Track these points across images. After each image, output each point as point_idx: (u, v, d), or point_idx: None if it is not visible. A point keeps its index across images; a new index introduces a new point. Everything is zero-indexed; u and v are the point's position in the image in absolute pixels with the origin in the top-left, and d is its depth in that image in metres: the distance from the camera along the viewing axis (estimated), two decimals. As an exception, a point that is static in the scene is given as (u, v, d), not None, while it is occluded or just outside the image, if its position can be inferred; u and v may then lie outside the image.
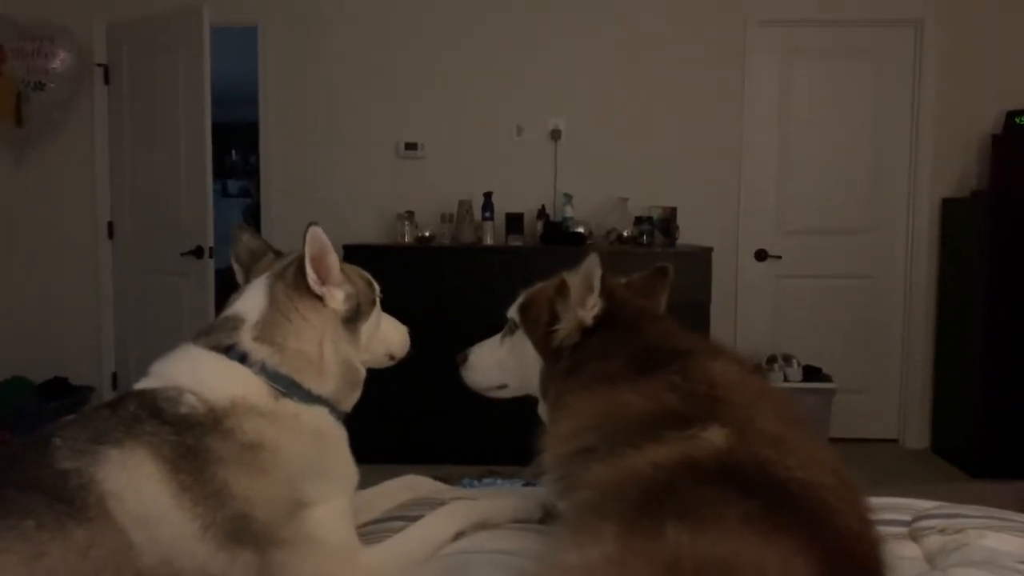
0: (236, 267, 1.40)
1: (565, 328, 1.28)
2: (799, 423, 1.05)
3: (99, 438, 1.09)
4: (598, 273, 1.26)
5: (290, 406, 1.20)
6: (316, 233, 1.25)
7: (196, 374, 1.17)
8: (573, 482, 1.05)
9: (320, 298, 1.28)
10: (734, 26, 4.94)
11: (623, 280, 1.42)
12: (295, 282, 1.27)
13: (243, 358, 1.20)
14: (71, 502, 1.03)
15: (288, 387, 1.21)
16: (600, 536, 0.86)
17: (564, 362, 1.27)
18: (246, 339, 1.22)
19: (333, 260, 1.29)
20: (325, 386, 1.26)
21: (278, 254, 1.40)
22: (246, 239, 1.41)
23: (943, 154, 4.85)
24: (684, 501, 0.87)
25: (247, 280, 1.35)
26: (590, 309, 1.27)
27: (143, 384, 1.19)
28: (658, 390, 1.07)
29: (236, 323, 1.24)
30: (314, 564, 1.13)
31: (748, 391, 1.08)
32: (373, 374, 1.41)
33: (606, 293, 1.27)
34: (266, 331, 1.23)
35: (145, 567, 1.04)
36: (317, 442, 1.21)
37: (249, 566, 1.10)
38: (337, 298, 1.30)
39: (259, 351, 1.21)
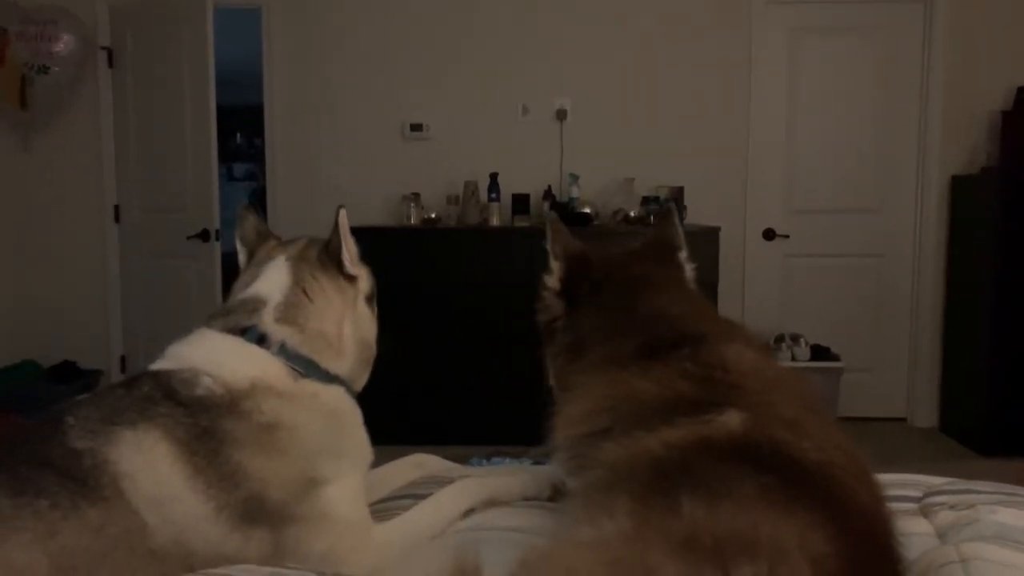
0: (240, 248, 1.40)
1: (545, 301, 1.27)
2: (815, 408, 1.04)
3: (113, 418, 1.09)
4: (548, 236, 1.25)
5: (310, 385, 1.21)
6: (345, 215, 1.29)
7: (214, 356, 1.17)
8: (585, 462, 1.05)
9: (347, 278, 1.31)
10: (740, 4, 4.89)
11: (634, 247, 1.36)
12: (321, 263, 1.29)
13: (261, 339, 1.21)
14: (84, 482, 1.03)
15: (307, 367, 1.22)
16: (614, 512, 0.86)
17: (560, 337, 1.25)
18: (268, 320, 1.23)
19: (352, 242, 1.32)
20: (342, 366, 1.28)
21: (277, 240, 1.41)
22: (252, 220, 1.42)
23: (952, 131, 4.82)
24: (698, 476, 0.86)
25: (249, 262, 1.36)
26: (555, 273, 1.25)
27: (158, 365, 1.19)
28: (671, 377, 1.05)
29: (257, 304, 1.24)
30: (327, 541, 1.14)
31: (764, 377, 1.06)
32: (383, 353, 1.42)
33: (566, 254, 1.24)
34: (288, 312, 1.24)
35: (157, 547, 1.05)
36: (335, 421, 1.23)
37: (263, 544, 1.10)
38: (364, 277, 1.34)
39: (280, 332, 1.22)
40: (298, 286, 1.27)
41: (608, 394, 1.08)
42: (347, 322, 1.30)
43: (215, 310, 1.29)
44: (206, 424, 1.10)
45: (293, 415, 1.16)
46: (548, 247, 1.25)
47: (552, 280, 1.25)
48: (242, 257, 1.39)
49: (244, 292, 1.28)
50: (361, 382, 1.35)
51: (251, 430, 1.12)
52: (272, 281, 1.27)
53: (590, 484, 1.01)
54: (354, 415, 1.28)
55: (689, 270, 1.35)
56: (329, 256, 1.30)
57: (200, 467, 1.08)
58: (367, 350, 1.35)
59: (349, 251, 1.30)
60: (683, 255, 1.35)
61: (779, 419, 0.97)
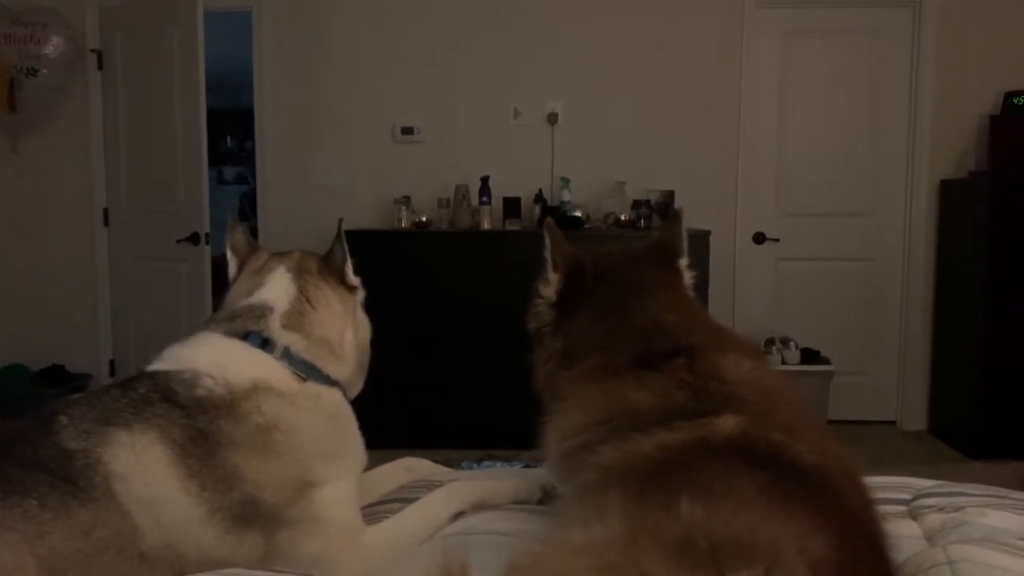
0: (231, 258, 1.42)
1: (538, 307, 1.26)
2: (810, 417, 1.04)
3: (108, 419, 1.09)
4: (548, 244, 1.25)
5: (313, 387, 1.24)
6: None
7: (217, 358, 1.19)
8: (578, 467, 1.04)
9: (348, 288, 1.37)
10: (732, 7, 4.91)
11: (634, 250, 1.34)
12: (322, 274, 1.34)
13: (264, 344, 1.23)
14: (75, 482, 1.03)
15: (308, 372, 1.24)
16: (607, 512, 0.85)
17: (550, 342, 1.24)
18: (275, 326, 1.26)
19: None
20: (343, 371, 1.31)
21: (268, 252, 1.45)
22: (242, 232, 1.45)
23: (941, 135, 4.84)
24: (694, 473, 0.85)
25: (239, 272, 1.38)
26: (552, 284, 1.24)
27: (156, 366, 1.20)
28: (667, 387, 1.04)
29: (264, 311, 1.27)
30: (319, 543, 1.14)
31: (760, 386, 1.05)
32: (373, 358, 1.44)
33: (566, 264, 1.24)
34: (295, 319, 1.28)
35: (148, 549, 1.04)
36: (335, 423, 1.25)
37: (255, 547, 1.10)
38: (359, 286, 1.40)
39: (287, 338, 1.25)
40: (303, 295, 1.31)
41: (603, 406, 1.07)
42: (348, 329, 1.34)
43: (215, 315, 1.32)
44: (203, 426, 1.11)
45: (294, 417, 1.18)
46: (547, 256, 1.24)
47: (548, 291, 1.25)
48: (232, 267, 1.41)
49: (248, 299, 1.30)
50: (358, 387, 1.39)
51: (249, 432, 1.12)
52: (277, 289, 1.30)
53: (583, 486, 1.00)
54: (351, 418, 1.31)
55: (688, 277, 1.33)
56: (330, 267, 1.35)
57: (195, 469, 1.08)
58: (364, 356, 1.39)
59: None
60: (683, 262, 1.33)
61: (775, 424, 0.97)
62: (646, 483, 0.87)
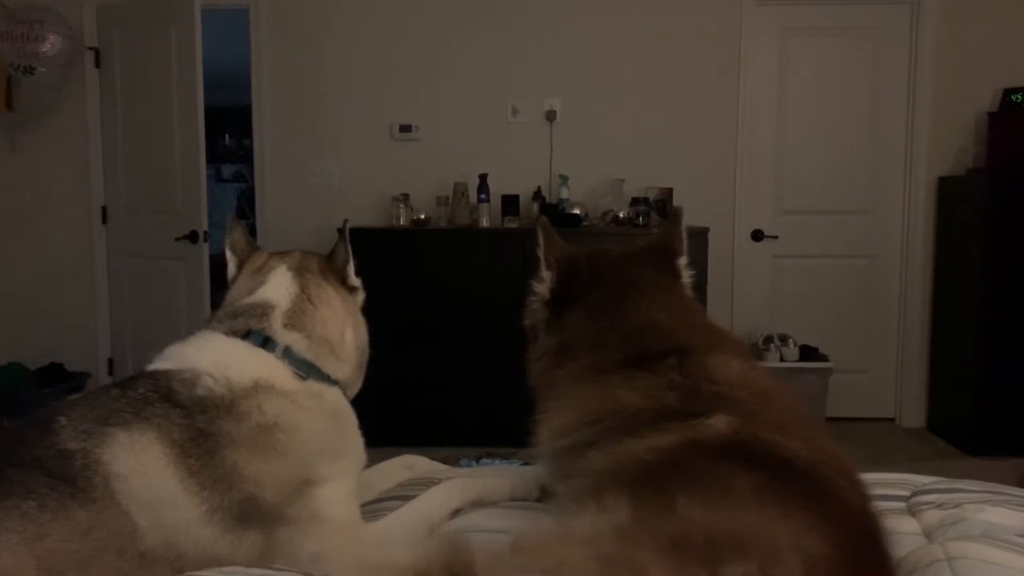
0: (231, 257, 1.42)
1: (532, 305, 1.27)
2: (803, 415, 1.04)
3: (107, 419, 1.09)
4: (541, 242, 1.26)
5: (315, 386, 1.24)
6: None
7: (218, 357, 1.19)
8: (571, 470, 1.04)
9: (349, 289, 1.38)
10: (731, 5, 4.91)
11: (633, 248, 1.34)
12: (324, 273, 1.35)
13: (265, 343, 1.23)
14: (74, 483, 1.03)
15: (309, 371, 1.25)
16: (607, 508, 0.86)
17: (544, 339, 1.25)
18: (276, 325, 1.26)
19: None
20: (343, 370, 1.32)
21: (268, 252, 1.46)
22: (242, 231, 1.45)
23: (939, 132, 4.85)
24: (690, 474, 0.86)
25: (239, 271, 1.38)
26: (546, 282, 1.25)
27: (156, 365, 1.20)
28: (657, 388, 1.04)
29: (266, 309, 1.28)
30: (318, 541, 1.14)
31: (752, 387, 1.06)
32: (372, 354, 1.44)
33: (560, 262, 1.24)
34: (296, 318, 1.28)
35: (147, 549, 1.04)
36: (335, 422, 1.25)
37: (254, 546, 1.10)
38: (360, 288, 1.41)
39: (287, 337, 1.25)
40: (304, 293, 1.31)
41: (594, 407, 1.07)
42: (349, 329, 1.35)
43: (216, 314, 1.32)
44: (202, 425, 1.10)
45: (295, 415, 1.18)
46: (541, 254, 1.26)
47: (542, 288, 1.26)
48: (232, 266, 1.41)
49: (249, 298, 1.30)
50: (356, 388, 1.39)
51: (249, 431, 1.12)
52: (279, 288, 1.31)
53: (578, 489, 1.01)
54: (352, 417, 1.31)
55: (687, 276, 1.34)
56: (332, 267, 1.36)
57: (194, 469, 1.08)
58: (364, 356, 1.40)
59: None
60: (682, 261, 1.34)
61: (767, 423, 0.97)
62: (641, 484, 0.88)
